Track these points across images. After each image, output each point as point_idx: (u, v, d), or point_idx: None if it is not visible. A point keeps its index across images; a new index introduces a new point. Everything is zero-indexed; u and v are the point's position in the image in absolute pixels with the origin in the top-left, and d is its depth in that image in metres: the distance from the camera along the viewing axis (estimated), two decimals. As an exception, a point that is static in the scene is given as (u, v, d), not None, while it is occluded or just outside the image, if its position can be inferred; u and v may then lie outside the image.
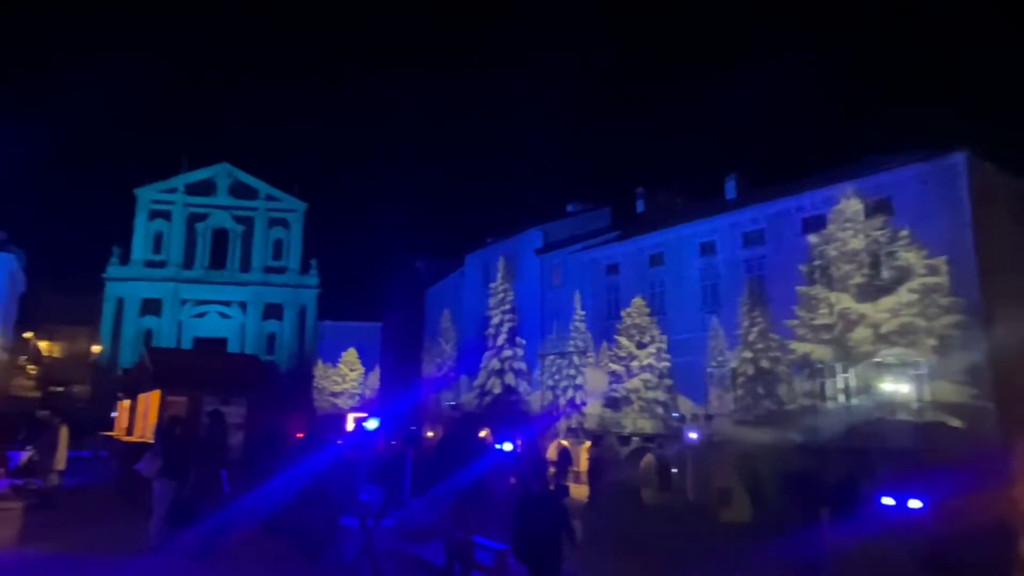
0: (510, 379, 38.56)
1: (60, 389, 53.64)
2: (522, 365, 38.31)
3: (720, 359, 25.60)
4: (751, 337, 24.31)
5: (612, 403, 29.43)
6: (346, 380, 55.65)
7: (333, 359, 53.61)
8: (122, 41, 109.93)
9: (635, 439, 28.24)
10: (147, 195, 53.45)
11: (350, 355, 54.81)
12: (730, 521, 22.59)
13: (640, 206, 34.60)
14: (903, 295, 20.13)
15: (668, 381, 27.75)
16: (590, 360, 31.53)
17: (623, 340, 29.02)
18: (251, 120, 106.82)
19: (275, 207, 56.32)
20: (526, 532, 6.02)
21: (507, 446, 25.54)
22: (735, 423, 24.85)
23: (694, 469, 25.90)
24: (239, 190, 55.71)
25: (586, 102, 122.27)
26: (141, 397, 10.42)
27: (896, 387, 20.59)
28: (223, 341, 51.53)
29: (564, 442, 34.42)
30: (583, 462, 34.29)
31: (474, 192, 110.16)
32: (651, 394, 27.98)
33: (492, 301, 39.70)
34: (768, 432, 23.29)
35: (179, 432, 7.16)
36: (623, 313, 29.06)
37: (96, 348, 53.45)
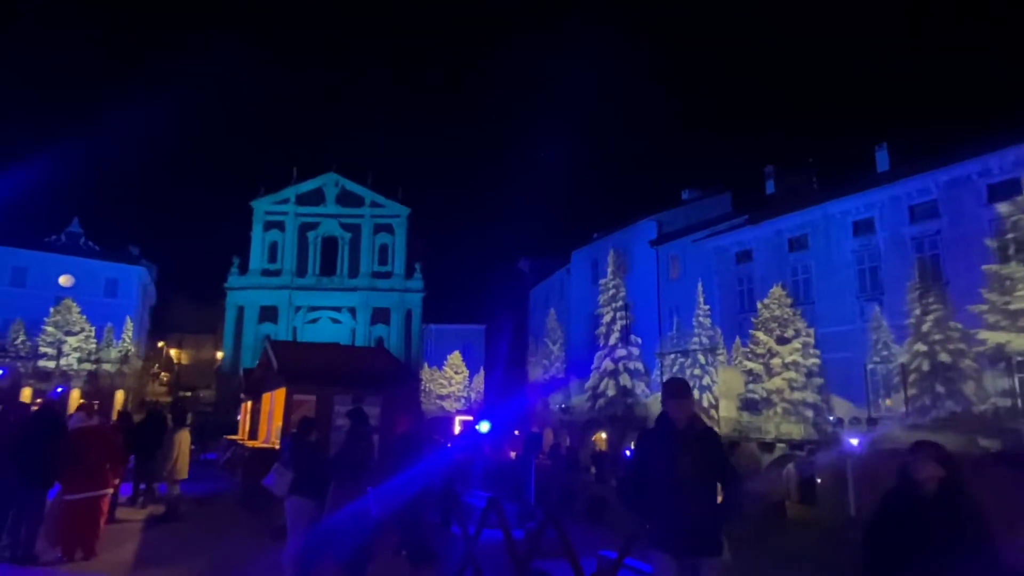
0: (625, 380, 36.13)
1: (188, 394, 56.83)
2: (638, 365, 35.80)
3: (884, 354, 22.06)
4: (925, 327, 20.69)
5: (750, 405, 26.36)
6: (452, 383, 55.14)
7: (439, 362, 53.33)
8: (230, 59, 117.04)
9: (780, 446, 25.05)
10: (262, 206, 55.58)
11: (455, 358, 54.29)
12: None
13: (770, 187, 31.20)
14: None
15: (818, 380, 24.39)
16: (720, 358, 28.58)
17: (760, 335, 25.91)
18: (354, 127, 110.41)
19: (379, 213, 57.06)
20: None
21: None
22: (907, 428, 21.23)
23: (857, 481, 22.43)
24: (345, 198, 56.89)
25: (693, 84, 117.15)
26: (265, 397, 9.30)
27: None
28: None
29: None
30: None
31: (577, 188, 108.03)
32: (798, 395, 24.71)
33: (602, 298, 37.47)
34: (951, 438, 19.63)
35: (314, 438, 5.68)
36: (759, 305, 25.96)
37: (219, 354, 56.07)
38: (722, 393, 28.24)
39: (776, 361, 25.30)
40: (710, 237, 29.48)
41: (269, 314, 53.63)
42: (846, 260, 23.98)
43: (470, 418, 53.76)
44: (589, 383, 37.87)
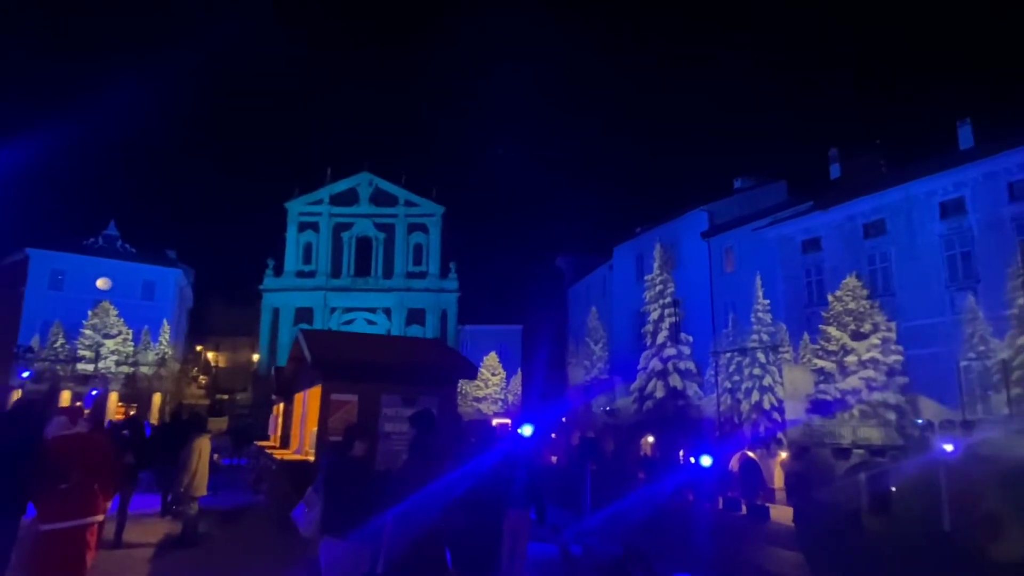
0: (676, 381, 34.01)
1: (225, 396, 56.56)
2: (690, 365, 33.67)
3: (981, 349, 19.69)
4: (1031, 318, 18.35)
5: (821, 407, 24.10)
6: (488, 385, 53.60)
7: (475, 363, 51.87)
8: (265, 62, 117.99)
9: (858, 452, 22.76)
10: (296, 208, 55.03)
11: (491, 359, 52.73)
12: (1005, 560, 16.99)
13: (834, 171, 28.85)
14: None
15: (902, 379, 22.06)
16: (785, 356, 26.34)
17: (832, 330, 23.67)
18: (387, 125, 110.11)
19: (414, 212, 56.02)
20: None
21: (706, 460, 21.28)
22: (1011, 432, 18.86)
23: (951, 491, 20.06)
24: (379, 198, 56.00)
25: (739, 69, 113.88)
26: (297, 398, 7.80)
27: None
28: (370, 348, 51.51)
29: (751, 453, 29.34)
30: (777, 477, 29.08)
31: (616, 181, 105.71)
32: (877, 396, 22.41)
33: (648, 295, 35.43)
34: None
35: (361, 452, 4.04)
36: (830, 297, 23.72)
37: (255, 356, 55.63)
38: (788, 394, 26.01)
39: (851, 359, 23.03)
40: (772, 225, 27.25)
41: (304, 316, 52.94)
42: (932, 245, 21.63)
43: (508, 421, 52.26)
44: (635, 384, 35.88)
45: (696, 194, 36.35)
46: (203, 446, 7.74)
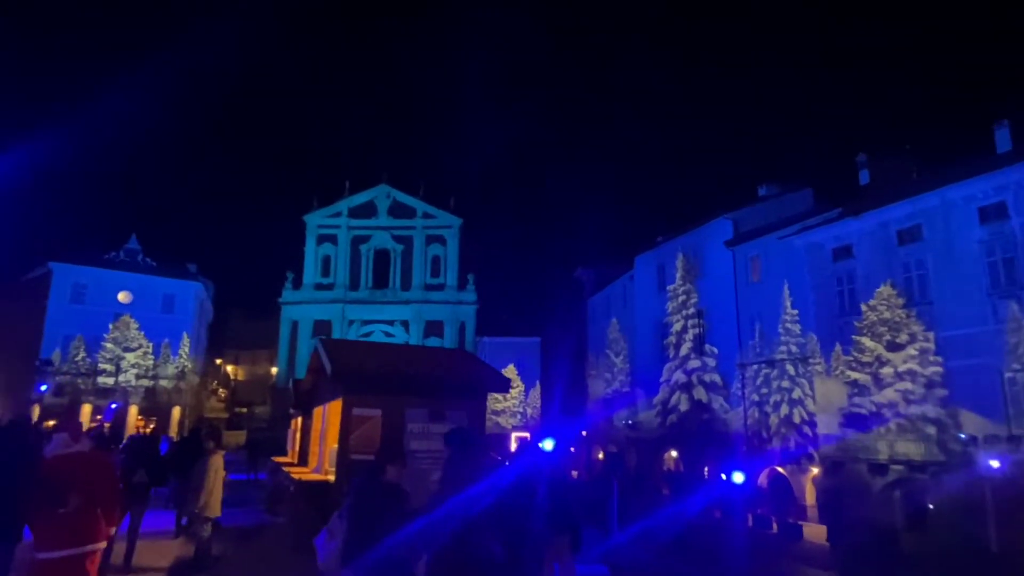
0: (700, 394, 33.17)
1: (244, 410, 56.48)
2: (715, 377, 32.82)
3: (1028, 359, 18.75)
4: (1082, 327, 17.41)
5: (855, 421, 23.17)
6: (507, 398, 52.93)
7: (495, 376, 51.29)
8: (282, 78, 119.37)
9: (895, 467, 21.79)
10: (315, 220, 55.19)
11: (509, 371, 51.99)
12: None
13: (863, 177, 28.03)
14: None
15: (941, 392, 21.11)
16: (817, 368, 25.46)
17: (866, 341, 22.79)
18: (405, 137, 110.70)
19: (431, 224, 55.92)
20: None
21: (738, 477, 20.44)
22: (1062, 448, 17.88)
23: (998, 509, 19.07)
24: (397, 210, 56.02)
25: (760, 76, 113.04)
26: (316, 412, 7.35)
27: None
28: (387, 360, 51.23)
29: (780, 469, 28.37)
30: (809, 494, 28.06)
31: (636, 191, 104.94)
32: (915, 409, 21.46)
33: (671, 305, 34.70)
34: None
35: (395, 477, 3.50)
36: (863, 307, 22.88)
37: (274, 370, 55.57)
38: (820, 408, 25.11)
39: (887, 370, 22.13)
40: (800, 233, 26.49)
41: (323, 328, 52.85)
42: (972, 252, 20.76)
43: (527, 435, 51.50)
44: (658, 397, 35.09)
45: (719, 202, 35.69)
46: (218, 463, 7.30)
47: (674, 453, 35.86)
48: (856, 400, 23.06)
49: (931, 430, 21.04)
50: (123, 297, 44.50)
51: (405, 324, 53.87)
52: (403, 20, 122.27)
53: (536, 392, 51.90)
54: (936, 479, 21.24)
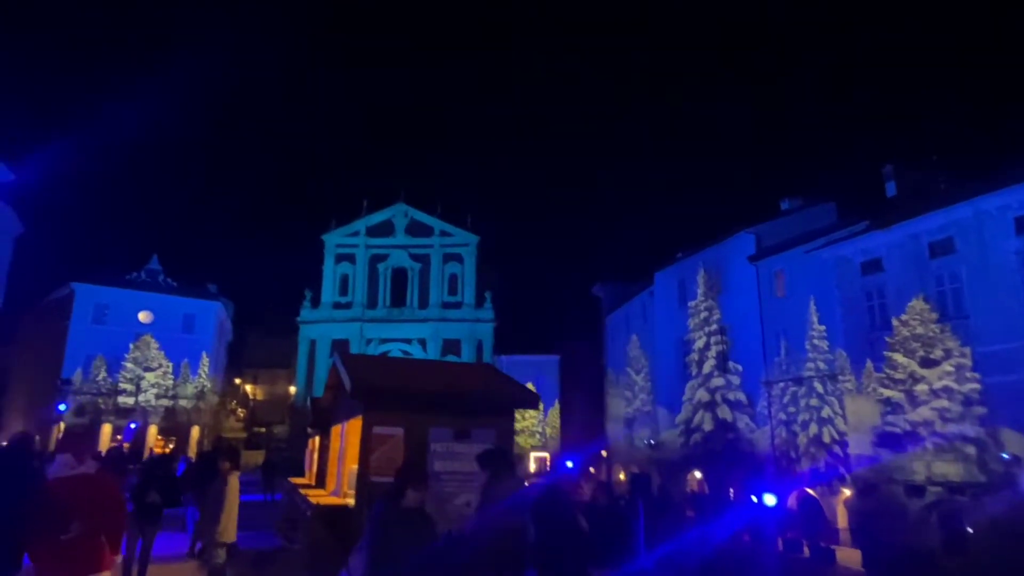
0: (725, 413, 32.38)
1: (263, 430, 56.44)
2: (740, 396, 32.04)
3: (1072, 376, 17.94)
4: None
5: (889, 441, 22.32)
6: (525, 417, 52.26)
7: (514, 394, 50.67)
8: (302, 101, 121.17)
9: (933, 489, 20.83)
10: (333, 240, 55.48)
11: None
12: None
13: (890, 189, 27.41)
14: None
15: (980, 410, 20.28)
16: (847, 385, 24.69)
17: (898, 357, 22.04)
18: (422, 155, 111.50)
19: (448, 243, 55.94)
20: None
21: (769, 499, 19.76)
22: (1113, 469, 16.98)
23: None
24: (415, 228, 56.17)
25: (779, 91, 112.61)
26: (334, 431, 7.02)
27: None
28: (405, 379, 50.99)
29: (811, 491, 27.44)
30: (841, 517, 27.07)
31: (654, 207, 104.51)
32: (953, 428, 20.63)
33: (693, 322, 34.07)
34: None
35: (418, 503, 3.10)
36: (895, 322, 22.17)
37: (292, 389, 55.55)
38: (852, 427, 24.28)
39: (921, 387, 21.34)
40: (827, 247, 25.88)
41: (341, 347, 52.66)
42: (1008, 263, 20.05)
43: (546, 455, 50.71)
44: (681, 416, 34.31)
45: (740, 217, 35.16)
46: (235, 485, 6.98)
47: (698, 474, 34.96)
48: (890, 419, 22.24)
49: (970, 450, 20.17)
50: (144, 317, 44.83)
51: (423, 342, 53.68)
52: (420, 41, 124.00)
53: (555, 411, 51.23)
54: (977, 501, 20.29)
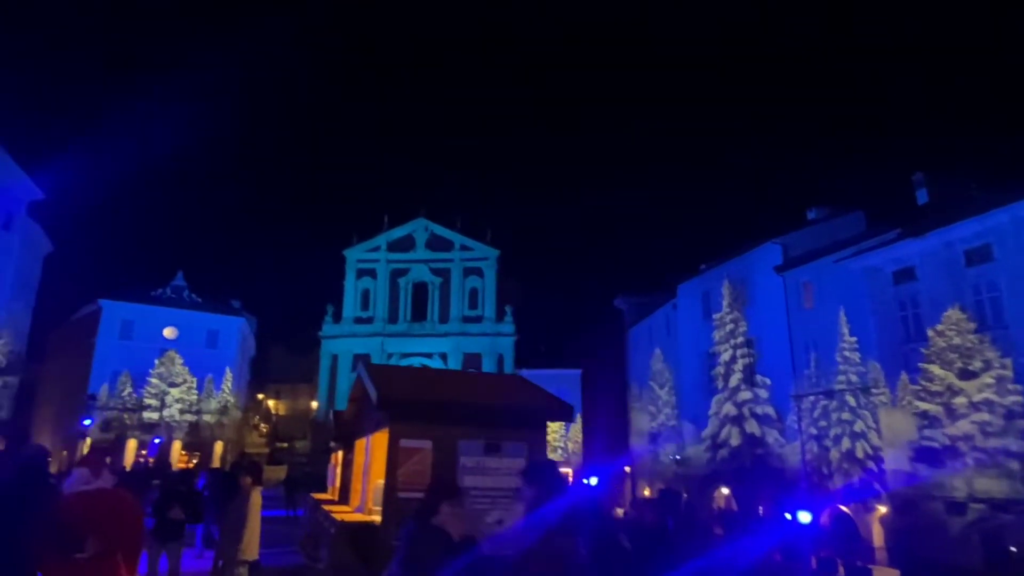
0: (753, 427, 31.64)
1: (285, 445, 56.54)
2: (769, 410, 31.29)
3: (1123, 388, 17.12)
4: None
5: (927, 456, 21.53)
6: (547, 432, 51.42)
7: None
8: (324, 118, 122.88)
9: (975, 506, 20.06)
10: (354, 255, 55.83)
11: (551, 405, 50.84)
12: None
13: (921, 197, 26.75)
14: None
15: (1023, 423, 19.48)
16: (881, 398, 23.94)
17: (935, 369, 21.31)
18: (442, 168, 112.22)
19: (468, 256, 55.97)
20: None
21: (804, 516, 19.11)
22: None
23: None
24: (435, 243, 56.34)
25: (803, 99, 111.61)
26: (358, 445, 6.79)
27: None
28: (426, 393, 50.93)
29: (844, 508, 26.58)
30: (877, 535, 26.18)
31: (675, 219, 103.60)
32: (995, 442, 19.82)
33: (718, 334, 33.47)
34: None
35: (451, 519, 2.84)
36: (930, 332, 21.47)
37: (314, 404, 55.66)
38: (887, 441, 23.50)
39: (960, 400, 20.57)
40: (856, 256, 25.26)
41: (362, 362, 52.99)
42: (1050, 272, 19.33)
43: (569, 471, 50.03)
44: (707, 431, 33.61)
45: (765, 227, 34.55)
46: (257, 501, 6.78)
47: (725, 490, 34.18)
48: (927, 433, 21.47)
49: (1014, 465, 19.34)
50: (169, 333, 45.31)
51: (443, 356, 53.58)
52: (438, 59, 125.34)
53: (577, 426, 50.64)
54: (1021, 519, 19.45)
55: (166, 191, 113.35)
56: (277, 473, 39.57)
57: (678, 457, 38.22)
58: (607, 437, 49.23)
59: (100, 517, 4.12)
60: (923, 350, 21.66)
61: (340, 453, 9.26)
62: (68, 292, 64.66)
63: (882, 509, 24.93)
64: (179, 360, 42.45)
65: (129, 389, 41.31)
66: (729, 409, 32.44)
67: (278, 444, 58.09)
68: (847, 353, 25.90)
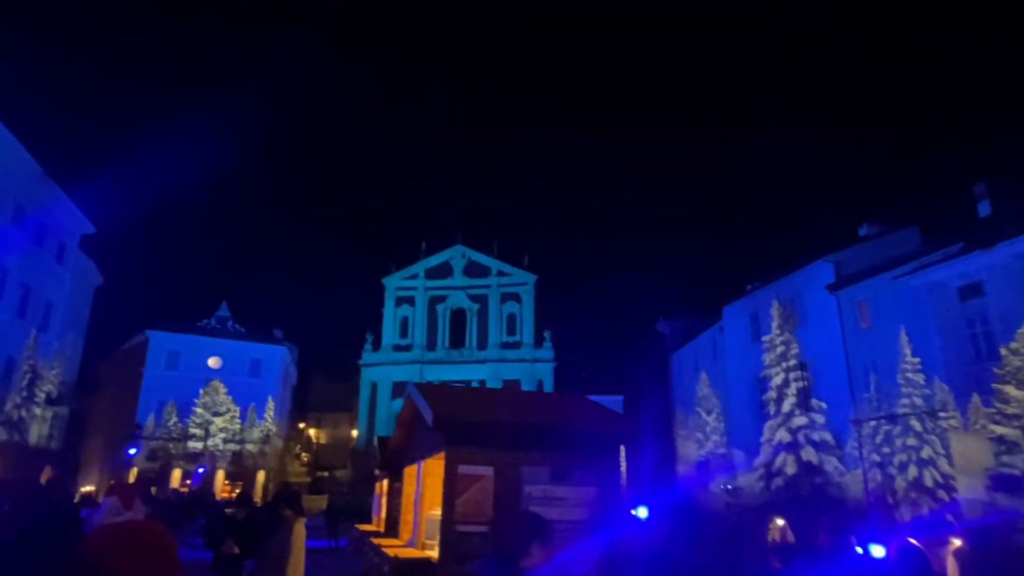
0: (809, 455, 30.01)
1: (326, 473, 56.46)
2: (826, 436, 29.67)
3: None
4: None
5: (1006, 483, 19.93)
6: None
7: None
8: (359, 148, 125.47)
9: (1066, 540, 18.37)
10: (393, 283, 56.15)
11: (593, 433, 49.68)
12: None
13: (984, 208, 25.38)
14: None
15: (1117, 448, 17.85)
16: (951, 422, 22.42)
17: (1010, 390, 19.83)
18: (478, 194, 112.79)
19: (506, 282, 55.72)
20: None
21: (877, 551, 17.83)
22: None
23: None
24: (472, 269, 56.31)
25: (849, 114, 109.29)
26: (408, 472, 6.29)
27: None
28: (465, 421, 50.42)
29: (913, 540, 24.78)
30: (951, 570, 24.33)
31: (717, 239, 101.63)
32: (1084, 469, 18.20)
33: (768, 357, 32.08)
34: None
35: (540, 557, 2.38)
36: (1003, 351, 20.05)
37: (354, 432, 55.60)
38: (960, 468, 21.88)
39: (1041, 423, 19.05)
40: (917, 272, 23.98)
41: (401, 390, 52.75)
42: None
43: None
44: (760, 459, 32.05)
45: (815, 245, 33.35)
46: (301, 533, 6.34)
47: (780, 521, 32.46)
48: (1005, 459, 19.90)
49: (1109, 495, 17.68)
50: (213, 363, 45.99)
51: (482, 383, 53.08)
52: (472, 85, 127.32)
53: (621, 453, 49.32)
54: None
55: (208, 223, 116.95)
56: (318, 503, 39.30)
57: (729, 487, 36.61)
58: (652, 465, 47.68)
59: (129, 551, 3.72)
60: (996, 370, 20.22)
61: (386, 482, 8.77)
62: (117, 323, 66.65)
63: (956, 542, 23.13)
64: (223, 389, 42.93)
65: (175, 419, 41.86)
66: (783, 436, 30.92)
67: (319, 473, 58.09)
68: (910, 374, 24.43)
